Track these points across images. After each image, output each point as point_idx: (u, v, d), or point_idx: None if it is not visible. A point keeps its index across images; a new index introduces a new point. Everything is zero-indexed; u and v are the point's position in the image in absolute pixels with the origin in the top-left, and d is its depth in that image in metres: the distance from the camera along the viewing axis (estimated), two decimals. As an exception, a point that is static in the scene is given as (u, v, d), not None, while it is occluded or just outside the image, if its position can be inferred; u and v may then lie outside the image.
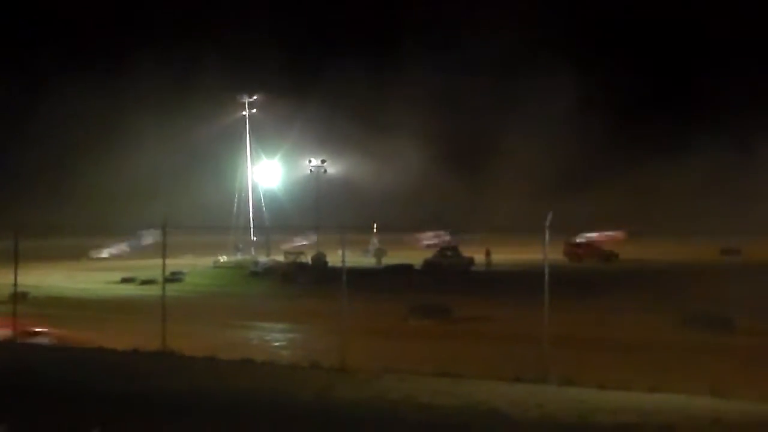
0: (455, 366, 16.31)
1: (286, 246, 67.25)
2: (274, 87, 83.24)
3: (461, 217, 78.19)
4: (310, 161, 79.60)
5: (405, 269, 52.69)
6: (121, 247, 68.66)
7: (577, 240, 63.62)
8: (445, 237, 70.52)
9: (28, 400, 12.94)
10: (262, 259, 62.87)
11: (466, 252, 58.15)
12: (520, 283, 28.21)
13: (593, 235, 73.08)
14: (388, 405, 13.31)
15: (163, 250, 22.46)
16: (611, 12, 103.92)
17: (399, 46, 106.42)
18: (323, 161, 79.80)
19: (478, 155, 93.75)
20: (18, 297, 24.15)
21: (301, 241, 73.34)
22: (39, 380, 15.47)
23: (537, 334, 16.59)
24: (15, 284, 23.71)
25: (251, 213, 75.46)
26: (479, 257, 56.76)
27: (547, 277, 16.11)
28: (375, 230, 62.22)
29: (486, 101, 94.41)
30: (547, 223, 16.47)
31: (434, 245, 67.17)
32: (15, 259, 23.56)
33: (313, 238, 73.01)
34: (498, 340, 23.23)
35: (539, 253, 17.15)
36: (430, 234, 71.93)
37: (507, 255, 56.46)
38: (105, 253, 68.56)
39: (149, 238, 56.23)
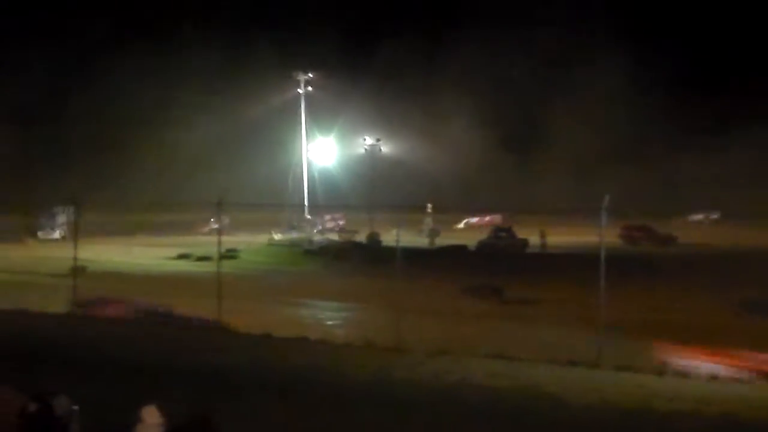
0: (509, 348, 16.21)
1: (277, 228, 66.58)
2: (329, 65, 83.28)
3: (515, 198, 77.46)
4: (364, 140, 79.61)
5: (458, 250, 52.50)
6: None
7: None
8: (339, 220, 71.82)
9: (87, 374, 13.15)
10: (317, 237, 63.16)
11: (521, 233, 57.78)
12: (575, 265, 27.96)
13: (474, 219, 73.58)
14: (443, 386, 13.29)
15: (218, 227, 22.71)
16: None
17: (455, 26, 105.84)
18: (378, 140, 79.74)
19: (531, 137, 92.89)
20: (77, 270, 24.57)
21: (332, 219, 73.55)
22: (95, 354, 15.72)
23: (592, 318, 16.43)
24: (75, 258, 24.14)
25: (306, 191, 75.78)
26: (534, 239, 56.32)
27: (603, 259, 15.91)
28: (429, 210, 62.00)
29: (539, 84, 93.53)
30: (604, 206, 16.26)
31: (331, 229, 67.88)
32: (75, 233, 24.00)
33: (339, 216, 73.31)
34: (552, 323, 23.02)
35: (594, 235, 16.96)
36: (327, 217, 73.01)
37: (562, 237, 55.95)
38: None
39: (62, 216, 55.93)
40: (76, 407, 7.09)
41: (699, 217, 72.17)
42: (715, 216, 71.14)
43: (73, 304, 21.96)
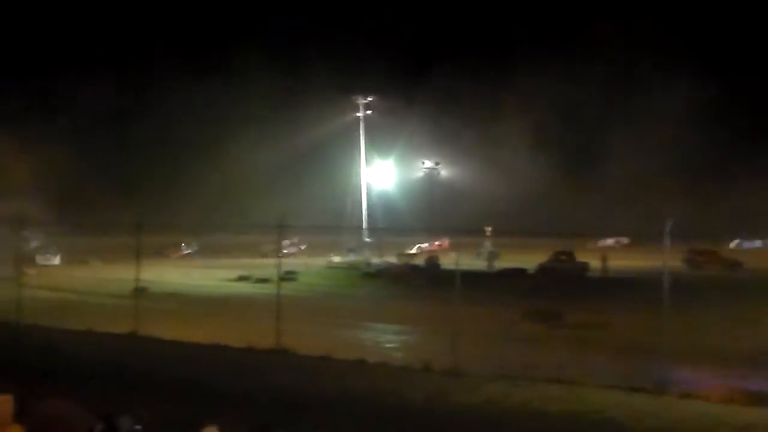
0: (569, 373, 16.02)
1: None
2: (389, 88, 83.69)
3: (575, 223, 76.82)
4: (423, 163, 79.69)
5: (518, 273, 52.15)
6: None
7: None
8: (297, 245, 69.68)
9: (147, 394, 13.30)
10: (375, 260, 63.27)
11: (582, 257, 57.20)
12: (637, 290, 27.56)
13: (425, 245, 72.67)
14: (501, 411, 13.17)
15: (278, 249, 22.89)
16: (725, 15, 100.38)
17: (514, 50, 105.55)
18: (437, 163, 79.78)
19: (590, 161, 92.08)
20: (139, 292, 24.94)
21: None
22: (156, 375, 15.90)
23: (654, 343, 16.13)
24: (137, 279, 24.52)
25: (365, 214, 76.03)
26: (595, 263, 55.70)
27: (666, 284, 15.65)
28: (488, 233, 61.73)
29: (597, 108, 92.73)
30: (668, 230, 16.01)
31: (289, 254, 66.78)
32: (137, 255, 24.37)
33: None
34: (613, 348, 22.65)
35: (657, 260, 16.69)
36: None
37: (624, 261, 55.22)
38: None
39: (34, 241, 54.53)
40: (138, 427, 7.17)
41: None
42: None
43: None
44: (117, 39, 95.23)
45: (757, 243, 73.54)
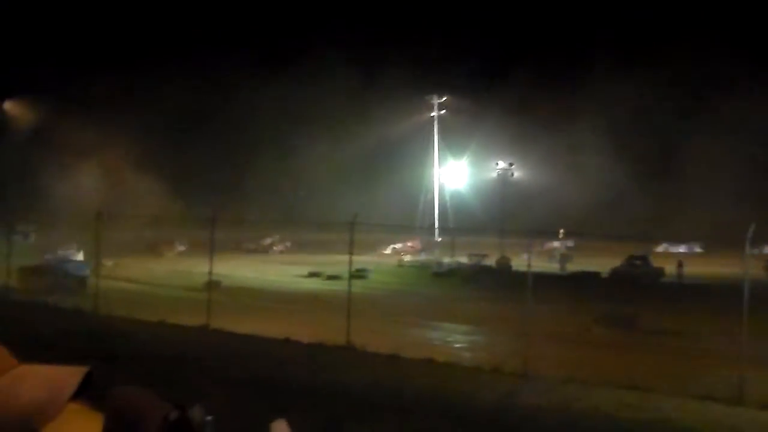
0: (642, 379, 15.69)
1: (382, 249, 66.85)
2: (464, 88, 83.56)
3: (650, 226, 75.54)
4: (497, 164, 79.21)
5: (591, 277, 51.49)
6: None
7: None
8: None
9: (218, 387, 13.42)
10: (446, 260, 63.10)
11: (657, 262, 56.19)
12: (714, 297, 26.92)
13: (398, 245, 74.33)
14: (571, 415, 12.95)
15: (350, 247, 22.91)
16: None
17: (590, 52, 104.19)
18: (511, 164, 79.20)
19: (665, 166, 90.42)
20: (212, 285, 25.27)
21: (405, 243, 74.23)
22: (227, 368, 16.04)
23: (732, 353, 15.71)
24: (210, 273, 24.85)
25: (437, 214, 75.85)
26: (670, 268, 54.65)
27: (747, 291, 15.23)
28: (561, 236, 61.11)
29: (676, 112, 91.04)
30: (749, 236, 15.59)
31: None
32: (211, 249, 24.68)
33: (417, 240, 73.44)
34: (689, 356, 22.16)
35: (734, 266, 16.26)
36: None
37: (700, 267, 54.10)
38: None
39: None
40: (210, 418, 7.24)
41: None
42: None
43: None
44: (195, 37, 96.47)
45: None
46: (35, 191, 61.49)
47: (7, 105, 72.40)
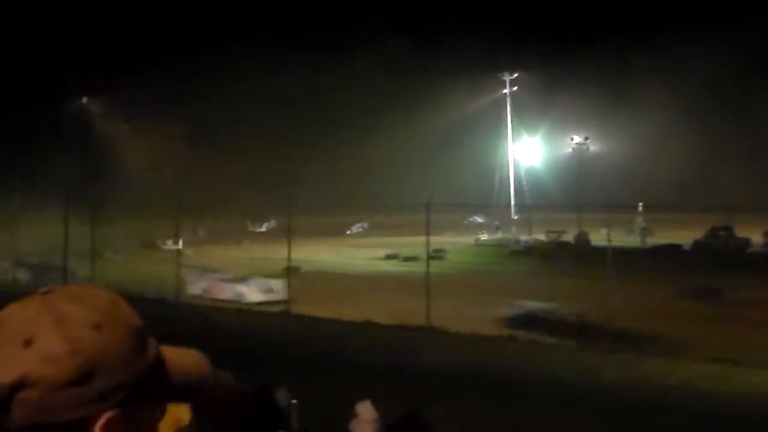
0: (731, 352, 15.37)
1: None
2: (537, 63, 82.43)
3: (732, 198, 73.80)
4: (572, 139, 78.21)
5: (672, 249, 50.49)
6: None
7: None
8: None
9: (302, 370, 13.56)
10: (523, 237, 62.60)
11: (743, 232, 54.73)
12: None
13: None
14: (660, 389, 12.76)
15: (427, 227, 22.93)
16: None
17: (667, 22, 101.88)
18: (586, 138, 78.12)
19: (744, 137, 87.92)
20: (291, 271, 25.55)
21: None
22: (310, 351, 16.21)
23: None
24: (289, 259, 25.12)
25: (512, 191, 75.39)
26: (756, 238, 53.21)
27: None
28: (640, 209, 60.06)
29: (757, 83, 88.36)
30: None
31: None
32: (288, 235, 24.96)
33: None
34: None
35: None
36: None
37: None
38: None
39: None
40: (294, 401, 7.32)
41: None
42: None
43: None
44: (261, 19, 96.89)
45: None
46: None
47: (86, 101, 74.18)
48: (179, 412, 1.33)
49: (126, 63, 77.74)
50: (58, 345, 1.14)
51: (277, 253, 29.64)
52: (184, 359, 1.31)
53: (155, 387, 1.22)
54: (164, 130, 71.25)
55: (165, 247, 42.73)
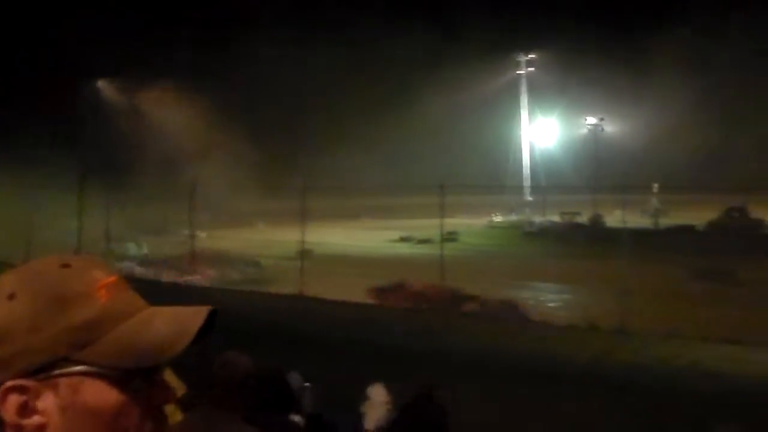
0: (743, 333, 15.37)
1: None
2: (553, 44, 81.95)
3: (747, 175, 73.28)
4: (586, 120, 77.99)
5: (686, 230, 50.35)
6: None
7: None
8: None
9: (315, 353, 13.63)
10: (537, 218, 62.55)
11: (760, 213, 54.43)
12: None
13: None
14: (672, 372, 12.78)
15: (441, 210, 22.96)
16: None
17: (681, 3, 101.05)
18: (601, 119, 77.89)
19: (760, 119, 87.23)
20: (304, 254, 25.62)
21: None
22: (322, 334, 16.27)
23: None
24: (303, 241, 25.19)
25: (527, 173, 75.21)
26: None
27: None
28: (655, 190, 59.83)
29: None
30: None
31: None
32: (302, 217, 25.02)
33: None
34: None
35: None
36: None
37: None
38: None
39: None
40: (308, 384, 7.38)
41: None
42: None
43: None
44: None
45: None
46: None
47: (101, 84, 74.26)
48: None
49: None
50: None
51: (289, 236, 29.72)
52: (155, 325, 1.26)
53: (95, 357, 1.21)
54: (186, 111, 71.04)
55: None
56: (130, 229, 40.71)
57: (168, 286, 25.12)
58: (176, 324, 1.27)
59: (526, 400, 10.97)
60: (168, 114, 71.14)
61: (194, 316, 1.29)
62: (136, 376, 1.23)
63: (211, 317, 1.31)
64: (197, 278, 27.57)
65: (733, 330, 15.62)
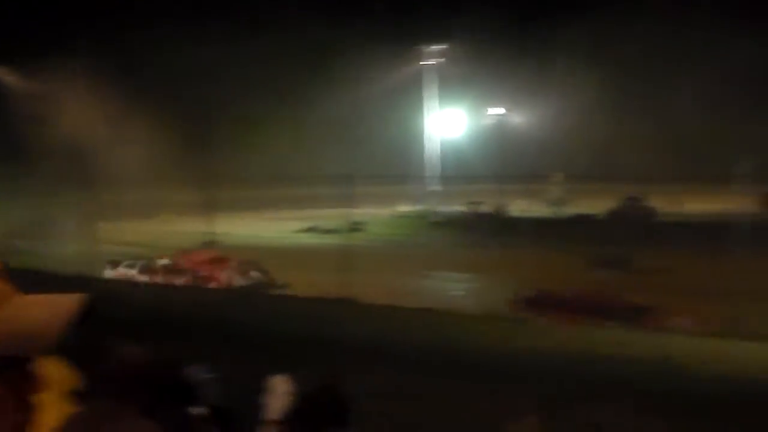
0: (636, 317, 15.95)
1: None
2: (460, 36, 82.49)
3: (645, 166, 75.45)
4: (488, 111, 79.10)
5: (586, 219, 51.58)
6: None
7: None
8: None
9: (224, 343, 13.57)
10: (443, 208, 63.07)
11: (655, 202, 56.10)
12: (709, 234, 27.04)
13: None
14: (567, 356, 13.19)
15: (350, 200, 23.09)
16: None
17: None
18: (505, 111, 79.11)
19: (656, 109, 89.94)
20: (208, 245, 25.44)
21: None
22: (231, 324, 16.22)
23: (726, 288, 15.95)
24: (207, 232, 25.02)
25: (431, 163, 75.73)
26: (669, 207, 54.52)
27: (745, 228, 15.44)
28: (557, 180, 61.05)
29: (676, 53, 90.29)
30: (744, 172, 15.76)
31: None
32: (207, 208, 24.84)
33: None
34: (683, 293, 22.35)
35: (734, 202, 16.44)
36: None
37: (700, 204, 54.12)
38: None
39: None
40: (210, 376, 7.40)
41: None
42: None
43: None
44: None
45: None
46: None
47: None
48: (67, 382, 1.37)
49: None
50: None
51: (195, 227, 29.44)
52: (26, 312, 1.25)
53: None
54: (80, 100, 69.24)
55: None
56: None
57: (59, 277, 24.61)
58: (49, 314, 1.24)
59: (423, 387, 11.17)
60: (70, 103, 69.17)
61: (70, 304, 1.27)
62: (7, 366, 1.22)
63: (90, 305, 1.28)
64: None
65: (627, 315, 16.18)
